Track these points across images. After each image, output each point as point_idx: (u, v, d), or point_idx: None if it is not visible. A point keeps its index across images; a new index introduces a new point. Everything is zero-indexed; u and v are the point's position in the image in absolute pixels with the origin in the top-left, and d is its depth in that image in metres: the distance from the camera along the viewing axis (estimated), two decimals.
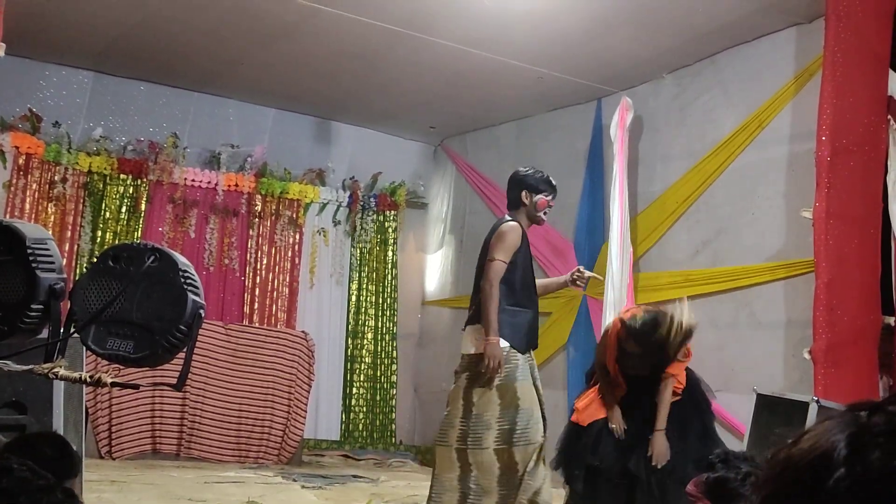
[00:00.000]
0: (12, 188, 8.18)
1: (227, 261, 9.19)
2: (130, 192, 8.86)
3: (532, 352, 4.91)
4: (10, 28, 7.55)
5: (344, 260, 9.87)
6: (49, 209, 8.44)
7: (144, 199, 8.89)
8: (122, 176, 8.80)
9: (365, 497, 6.08)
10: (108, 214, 8.73)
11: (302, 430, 8.48)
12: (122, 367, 2.23)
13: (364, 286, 9.96)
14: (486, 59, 7.67)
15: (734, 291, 6.82)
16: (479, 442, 4.62)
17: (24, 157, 8.26)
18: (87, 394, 5.57)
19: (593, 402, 5.05)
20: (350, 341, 9.85)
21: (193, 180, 9.08)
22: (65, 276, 2.04)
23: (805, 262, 6.09)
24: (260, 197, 9.37)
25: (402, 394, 10.04)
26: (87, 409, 6.60)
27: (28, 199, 8.29)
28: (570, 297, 8.09)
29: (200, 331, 2.04)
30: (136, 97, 8.94)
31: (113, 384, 2.09)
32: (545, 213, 4.96)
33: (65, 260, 7.96)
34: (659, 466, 4.73)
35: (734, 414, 6.43)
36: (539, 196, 4.86)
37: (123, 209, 8.82)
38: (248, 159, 9.29)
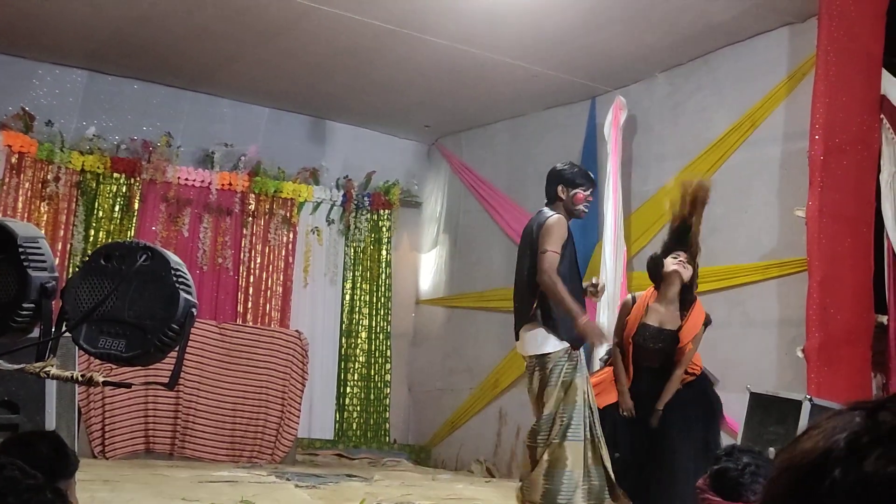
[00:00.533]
0: (5, 187, 8.15)
1: (220, 260, 9.18)
2: (124, 191, 8.84)
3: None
4: (3, 27, 7.54)
5: (338, 259, 9.86)
6: (42, 208, 8.42)
7: (138, 198, 8.87)
8: (115, 175, 8.78)
9: (359, 496, 6.07)
10: (101, 213, 8.71)
11: (296, 430, 8.46)
12: (114, 365, 2.22)
13: (358, 285, 9.95)
14: (480, 57, 7.67)
15: (727, 290, 6.83)
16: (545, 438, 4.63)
17: (16, 155, 8.23)
18: (79, 393, 5.55)
19: (604, 382, 5.06)
20: (344, 340, 9.84)
21: (187, 179, 9.07)
22: (56, 274, 2.03)
23: (798, 260, 6.10)
24: (253, 196, 9.36)
25: (395, 393, 10.03)
26: (79, 408, 6.58)
27: (21, 198, 8.27)
28: None
29: (194, 330, 2.03)
30: (130, 96, 8.91)
31: (105, 383, 2.08)
32: (585, 207, 4.92)
33: (58, 259, 7.95)
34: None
35: (728, 412, 6.43)
36: (576, 190, 4.84)
37: (116, 208, 8.80)
38: (242, 158, 9.28)
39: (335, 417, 9.66)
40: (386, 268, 10.08)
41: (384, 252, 10.08)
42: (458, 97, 8.85)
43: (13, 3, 7.25)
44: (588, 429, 4.61)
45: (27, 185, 8.32)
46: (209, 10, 7.19)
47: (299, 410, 8.48)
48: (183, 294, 2.02)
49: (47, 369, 2.03)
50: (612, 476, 4.60)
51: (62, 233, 8.48)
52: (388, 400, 9.95)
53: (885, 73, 5.97)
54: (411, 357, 10.22)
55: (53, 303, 2.03)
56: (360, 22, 7.13)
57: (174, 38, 7.80)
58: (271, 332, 8.61)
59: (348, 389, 9.77)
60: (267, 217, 9.43)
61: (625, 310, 5.21)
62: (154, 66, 8.56)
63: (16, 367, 2.10)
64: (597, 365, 6.86)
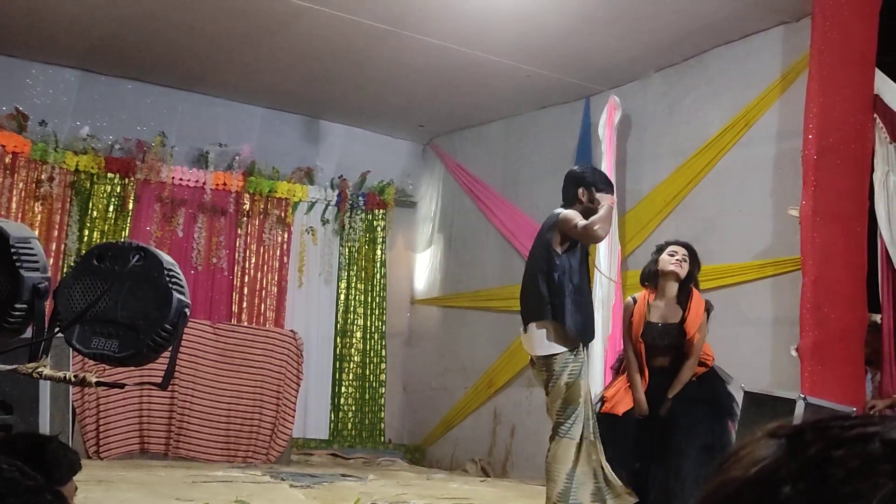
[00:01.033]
0: None
1: (215, 260, 9.17)
2: (118, 191, 8.82)
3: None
4: None
5: (332, 259, 9.86)
6: (36, 208, 8.40)
7: (132, 198, 8.86)
8: (109, 175, 8.77)
9: (353, 496, 6.07)
10: (95, 213, 8.70)
11: (291, 430, 8.46)
12: (107, 366, 2.22)
13: (353, 285, 9.95)
14: (474, 57, 7.68)
15: (721, 289, 6.84)
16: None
17: (10, 155, 8.22)
18: (73, 393, 5.55)
19: (621, 390, 5.04)
20: (339, 340, 9.84)
21: (181, 179, 9.06)
22: (49, 275, 2.03)
23: (792, 259, 6.12)
24: (248, 196, 9.35)
25: (390, 393, 10.04)
26: (73, 408, 6.57)
27: (14, 199, 8.25)
28: None
29: (188, 330, 2.03)
30: (124, 96, 8.90)
31: (98, 383, 2.08)
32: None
33: (52, 259, 7.94)
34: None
35: None
36: (599, 195, 4.80)
37: (111, 208, 8.79)
38: (237, 158, 9.27)
39: (330, 417, 9.66)
40: (381, 268, 10.08)
41: (379, 252, 10.08)
42: (453, 97, 8.85)
43: (6, 3, 7.23)
44: (591, 429, 4.62)
45: (21, 185, 8.31)
46: (203, 10, 7.18)
47: (294, 410, 8.48)
48: (176, 294, 2.03)
49: (40, 370, 2.03)
50: (609, 474, 4.61)
51: (56, 233, 8.46)
52: (382, 400, 9.95)
53: (879, 73, 5.98)
54: (406, 357, 10.22)
55: (46, 303, 2.03)
56: (354, 22, 7.13)
57: (168, 37, 7.79)
58: (266, 332, 8.60)
59: (343, 389, 9.77)
60: (261, 217, 9.42)
61: (627, 312, 5.14)
62: (148, 66, 8.55)
63: (9, 367, 2.10)
64: (597, 365, 6.88)
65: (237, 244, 9.31)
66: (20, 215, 8.17)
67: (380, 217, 10.08)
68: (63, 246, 8.50)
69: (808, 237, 5.71)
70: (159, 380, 2.14)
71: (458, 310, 9.64)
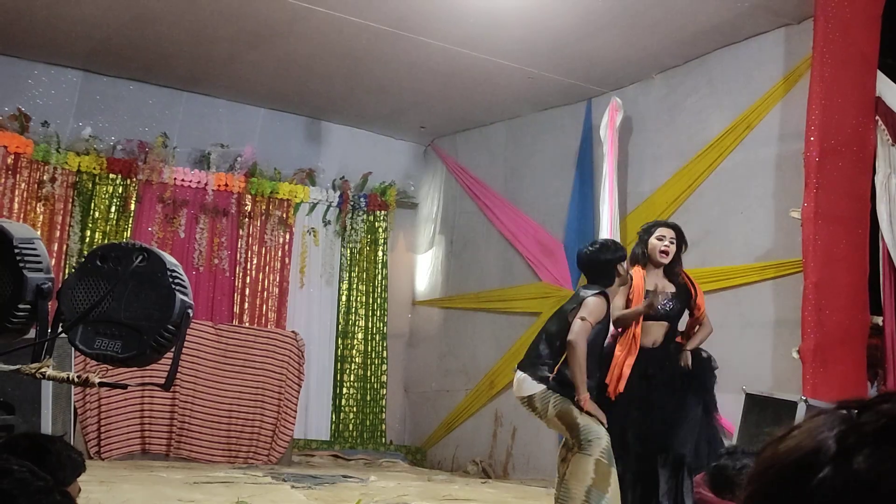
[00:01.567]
0: (0, 188, 8.14)
1: (216, 261, 9.17)
2: (120, 191, 8.83)
3: None
4: None
5: (334, 260, 9.86)
6: (38, 209, 8.41)
7: (134, 198, 8.86)
8: (111, 175, 8.77)
9: (354, 497, 6.07)
10: (97, 214, 8.70)
11: (292, 431, 8.46)
12: (110, 366, 2.22)
13: (354, 286, 9.95)
14: (476, 59, 7.68)
15: (723, 291, 6.84)
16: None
17: (12, 156, 8.22)
18: (75, 394, 5.56)
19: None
20: (340, 341, 9.83)
21: (183, 180, 9.06)
22: (52, 275, 2.03)
23: (793, 262, 6.12)
24: (250, 197, 9.35)
25: (392, 394, 10.03)
26: (75, 409, 6.58)
27: (17, 199, 8.26)
28: (560, 297, 8.09)
29: (190, 331, 2.04)
30: (126, 97, 8.91)
31: (100, 384, 2.08)
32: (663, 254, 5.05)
33: (54, 260, 7.94)
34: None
35: (723, 413, 6.43)
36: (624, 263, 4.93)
37: (113, 209, 8.79)
38: (238, 159, 9.27)
39: (331, 418, 9.66)
40: (382, 269, 10.08)
41: (380, 253, 10.08)
42: (454, 99, 8.85)
43: (9, 4, 7.24)
44: (600, 450, 4.62)
45: (23, 185, 8.31)
46: (205, 12, 7.19)
47: (295, 411, 8.48)
48: (179, 295, 2.03)
49: (43, 370, 2.03)
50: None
51: (58, 234, 8.47)
52: (384, 401, 9.95)
53: (880, 75, 5.99)
54: (407, 358, 10.22)
55: (49, 304, 2.03)
56: (357, 24, 7.13)
57: (170, 39, 7.80)
58: (267, 333, 8.61)
59: (344, 390, 9.77)
60: (263, 218, 9.42)
61: (625, 287, 5.14)
62: (150, 67, 8.55)
63: (12, 368, 2.10)
64: None
65: (239, 245, 9.31)
66: (22, 216, 8.17)
67: (381, 218, 10.08)
68: (65, 247, 8.51)
69: (810, 239, 5.71)
70: (162, 381, 2.14)
71: (459, 311, 9.64)
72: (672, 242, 5.12)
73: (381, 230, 10.08)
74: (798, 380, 5.63)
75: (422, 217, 10.41)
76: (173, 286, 2.03)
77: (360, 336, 9.93)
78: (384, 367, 10.00)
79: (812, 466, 0.73)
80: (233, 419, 8.14)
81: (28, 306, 1.96)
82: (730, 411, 5.87)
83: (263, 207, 9.42)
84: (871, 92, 5.96)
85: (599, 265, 4.92)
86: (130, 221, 8.82)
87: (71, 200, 8.62)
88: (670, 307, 5.05)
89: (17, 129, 8.25)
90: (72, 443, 3.94)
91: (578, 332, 4.62)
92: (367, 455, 9.33)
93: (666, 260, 5.10)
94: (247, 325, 9.02)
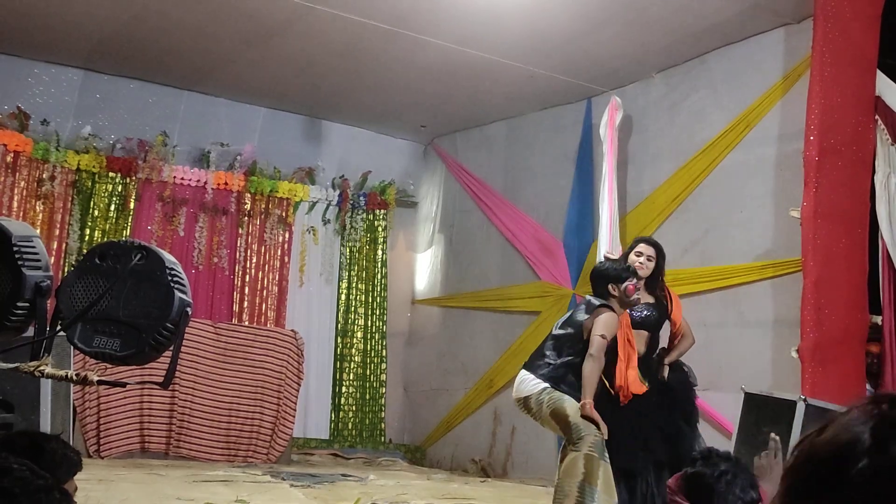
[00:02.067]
0: (0, 186, 8.14)
1: (216, 259, 9.17)
2: (119, 190, 8.83)
3: None
4: None
5: (333, 259, 9.86)
6: (37, 207, 8.41)
7: (133, 197, 8.86)
8: (110, 174, 8.77)
9: (354, 496, 6.07)
10: (96, 213, 8.70)
11: (291, 429, 8.46)
12: (109, 365, 2.22)
13: (353, 285, 9.95)
14: (476, 57, 7.68)
15: (722, 290, 6.85)
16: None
17: (11, 154, 8.22)
18: (74, 392, 5.55)
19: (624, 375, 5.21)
20: (339, 340, 9.84)
21: (183, 178, 9.06)
22: (51, 273, 2.03)
23: (793, 261, 6.12)
24: (249, 195, 9.35)
25: (391, 393, 10.04)
26: (74, 407, 6.57)
27: (16, 197, 8.26)
28: (560, 296, 8.11)
29: (189, 330, 2.04)
30: (126, 95, 8.91)
31: (99, 382, 2.08)
32: (637, 296, 5.14)
33: (53, 258, 7.94)
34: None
35: (722, 412, 6.45)
36: (625, 284, 5.06)
37: (112, 207, 8.79)
38: (238, 158, 9.27)
39: (331, 417, 9.66)
40: (381, 267, 10.08)
41: (380, 252, 10.08)
42: (454, 97, 8.85)
43: (9, 3, 7.24)
44: (588, 445, 4.70)
45: (22, 184, 8.31)
46: (205, 10, 7.18)
47: (295, 410, 8.48)
48: (178, 293, 2.03)
49: (42, 368, 2.03)
50: None
51: (58, 232, 8.47)
52: (383, 400, 9.95)
53: (880, 75, 5.99)
54: (407, 357, 10.23)
55: (48, 302, 2.03)
56: (357, 22, 7.13)
57: (170, 37, 7.79)
58: (267, 332, 8.61)
59: (344, 389, 9.77)
60: (263, 217, 9.42)
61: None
62: (150, 66, 8.55)
63: (10, 366, 2.10)
64: None
65: (238, 244, 9.31)
66: (22, 214, 8.17)
67: (381, 217, 10.08)
68: (64, 245, 8.51)
69: (809, 238, 5.71)
70: (160, 379, 2.14)
71: (458, 310, 9.64)
72: (650, 259, 5.37)
73: (380, 229, 10.08)
74: (797, 379, 5.62)
75: (421, 216, 10.41)
76: (172, 284, 2.03)
77: (359, 335, 9.93)
78: (383, 365, 10.00)
79: (849, 458, 0.78)
80: (232, 418, 8.14)
81: (27, 304, 1.96)
82: (729, 410, 5.88)
83: (263, 206, 9.42)
84: (871, 91, 5.96)
85: (593, 281, 5.17)
86: (130, 220, 8.82)
87: (70, 199, 8.62)
88: (646, 315, 5.26)
89: (16, 127, 8.25)
90: (71, 441, 3.94)
91: (599, 348, 4.83)
92: (367, 454, 9.34)
93: (643, 274, 5.33)
94: (246, 323, 9.02)
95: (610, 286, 5.08)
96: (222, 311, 9.17)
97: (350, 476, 7.48)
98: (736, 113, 6.97)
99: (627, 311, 5.21)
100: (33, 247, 2.00)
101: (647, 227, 7.53)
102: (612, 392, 5.10)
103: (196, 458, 7.89)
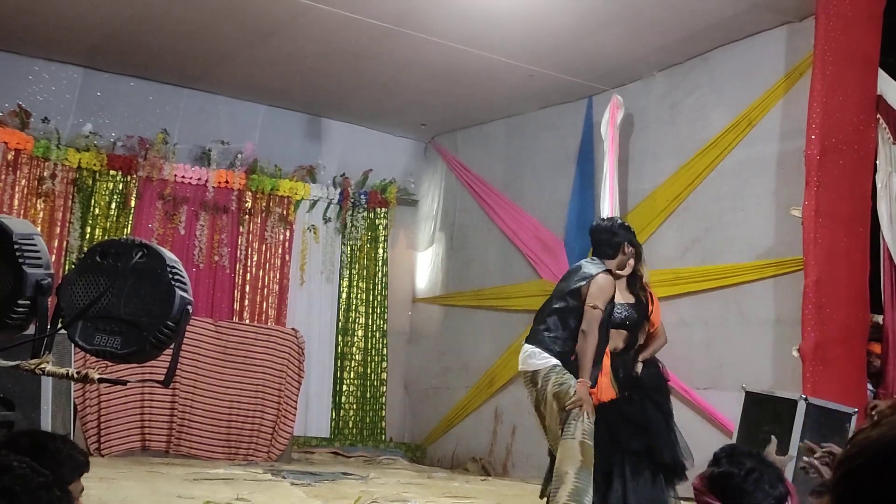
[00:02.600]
0: (1, 184, 8.13)
1: (217, 258, 9.17)
2: (120, 188, 8.83)
3: None
4: (0, 23, 7.53)
5: (334, 257, 9.86)
6: (38, 205, 8.40)
7: (134, 195, 8.86)
8: (111, 172, 8.77)
9: (354, 494, 6.07)
10: (97, 211, 8.70)
11: (292, 428, 8.46)
12: (109, 362, 2.22)
13: (354, 283, 9.95)
14: (477, 56, 7.67)
15: (723, 289, 6.84)
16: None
17: (12, 152, 8.22)
18: (75, 390, 5.55)
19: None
20: (340, 338, 9.84)
21: (183, 177, 9.06)
22: (52, 271, 2.02)
23: (794, 260, 6.11)
24: (250, 194, 9.35)
25: (392, 391, 10.04)
26: (75, 405, 6.58)
27: (17, 196, 8.25)
28: None
29: (190, 328, 2.03)
30: (126, 93, 8.90)
31: (100, 380, 2.08)
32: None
33: (54, 256, 7.94)
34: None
35: (723, 411, 6.45)
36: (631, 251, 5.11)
37: (113, 205, 8.79)
38: (239, 156, 9.27)
39: (331, 415, 9.66)
40: (382, 266, 10.08)
41: (380, 250, 10.08)
42: (455, 96, 8.84)
43: (10, 0, 7.23)
44: (582, 431, 4.71)
45: (23, 182, 8.31)
46: (206, 8, 7.18)
47: (295, 408, 8.48)
48: (178, 291, 2.02)
49: (43, 366, 2.03)
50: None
51: (58, 230, 8.46)
52: (384, 398, 9.95)
53: (882, 74, 5.98)
54: (407, 355, 10.22)
55: (49, 300, 2.03)
56: (357, 20, 7.12)
57: (171, 35, 7.79)
58: (268, 330, 8.61)
59: (344, 387, 9.77)
60: (263, 215, 9.42)
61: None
62: (151, 64, 8.55)
63: (11, 363, 2.10)
64: None
65: (239, 242, 9.31)
66: (22, 212, 8.17)
67: (381, 215, 10.08)
68: (65, 243, 8.51)
69: (811, 237, 5.70)
70: (161, 377, 2.14)
71: (459, 308, 9.64)
72: (630, 258, 5.41)
73: (381, 227, 10.08)
74: (798, 378, 5.62)
75: (422, 214, 10.41)
76: (173, 282, 2.03)
77: (360, 333, 9.93)
78: (384, 364, 10.00)
79: None
80: (233, 416, 8.14)
81: (28, 302, 1.96)
82: (730, 409, 5.88)
83: (264, 204, 9.42)
84: (873, 90, 5.96)
85: (606, 235, 5.10)
86: (131, 218, 8.82)
87: (71, 197, 8.62)
88: (626, 315, 5.28)
89: (17, 125, 8.25)
90: (71, 439, 3.94)
91: (591, 321, 4.80)
92: (367, 452, 9.34)
93: (625, 273, 5.34)
94: (247, 322, 9.02)
95: (625, 245, 5.08)
96: (223, 309, 9.17)
97: (351, 474, 7.49)
98: (737, 111, 6.96)
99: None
100: (34, 245, 2.00)
101: (648, 226, 7.52)
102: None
103: (197, 457, 7.89)
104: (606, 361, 5.15)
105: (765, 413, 4.98)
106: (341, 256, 9.92)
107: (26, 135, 8.29)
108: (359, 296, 9.96)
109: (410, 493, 6.46)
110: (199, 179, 9.13)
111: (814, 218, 5.69)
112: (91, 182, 8.70)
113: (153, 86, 8.98)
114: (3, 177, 8.15)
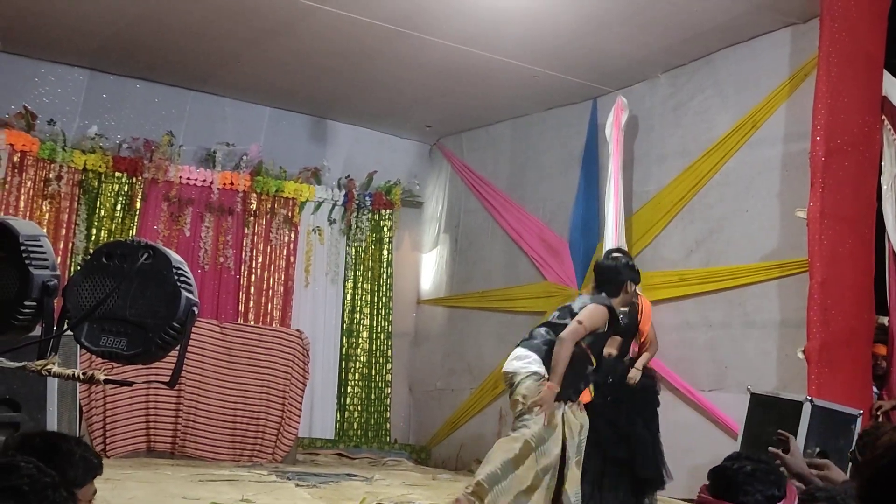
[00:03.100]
0: (7, 186, 8.15)
1: (222, 259, 9.18)
2: (125, 190, 8.85)
3: None
4: (6, 26, 7.56)
5: (339, 258, 9.86)
6: (44, 207, 8.42)
7: (139, 197, 8.88)
8: (117, 174, 8.79)
9: (359, 496, 6.07)
10: (102, 212, 8.72)
11: (296, 429, 8.46)
12: (115, 364, 2.23)
13: (359, 285, 9.96)
14: (482, 57, 7.68)
15: (728, 291, 6.83)
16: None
17: (18, 154, 8.24)
18: (80, 391, 5.55)
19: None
20: (345, 340, 9.84)
21: (189, 178, 9.07)
22: (58, 272, 2.03)
23: (799, 261, 6.11)
24: (255, 195, 9.36)
25: (396, 393, 10.04)
26: (81, 406, 6.57)
27: (23, 197, 8.27)
28: (565, 296, 8.09)
29: (195, 329, 2.04)
30: (132, 95, 8.92)
31: (106, 381, 2.09)
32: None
33: (59, 258, 7.96)
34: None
35: (728, 413, 6.45)
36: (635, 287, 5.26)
37: (118, 207, 8.81)
38: (244, 157, 9.29)
39: (336, 417, 9.67)
40: (387, 267, 10.09)
41: (385, 252, 10.09)
42: (460, 97, 8.85)
43: (16, 2, 7.26)
44: (532, 433, 4.75)
45: (29, 183, 8.33)
46: (211, 10, 7.19)
47: (300, 410, 8.48)
48: (184, 292, 2.03)
49: (49, 367, 2.04)
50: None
51: (64, 232, 8.48)
52: (388, 400, 9.95)
53: (887, 75, 5.98)
54: (412, 357, 10.23)
55: (55, 301, 2.03)
56: (363, 22, 7.13)
57: (176, 37, 7.81)
58: (272, 332, 8.61)
59: (349, 389, 9.78)
60: (268, 216, 9.43)
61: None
62: (156, 66, 8.57)
63: (17, 365, 2.10)
64: None
65: (244, 244, 9.32)
66: (28, 214, 8.19)
67: (386, 217, 10.09)
68: (71, 245, 8.53)
69: (816, 239, 5.70)
70: (167, 378, 2.14)
71: (464, 310, 9.64)
72: None
73: (386, 229, 10.09)
74: (803, 379, 5.62)
75: (427, 216, 10.41)
76: (178, 283, 2.03)
77: (364, 335, 9.94)
78: (389, 365, 10.00)
79: None
80: (238, 417, 8.15)
81: (34, 303, 1.97)
82: (734, 411, 5.88)
83: (269, 206, 9.43)
84: (878, 91, 5.95)
85: (610, 274, 5.19)
86: (136, 220, 8.84)
87: (77, 198, 8.64)
88: (623, 321, 5.45)
89: (23, 127, 8.27)
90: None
91: (572, 333, 4.87)
92: (372, 454, 9.34)
93: (624, 310, 5.49)
94: (252, 323, 9.03)
95: (628, 283, 5.17)
96: (228, 310, 9.18)
97: (355, 476, 7.49)
98: (742, 113, 6.96)
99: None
100: (40, 246, 2.00)
101: (652, 228, 7.53)
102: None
103: (202, 458, 7.90)
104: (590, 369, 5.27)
105: (770, 414, 4.97)
106: (346, 258, 9.92)
107: (32, 137, 8.31)
108: (363, 297, 9.97)
109: (415, 494, 6.46)
110: (205, 181, 9.14)
111: (819, 219, 5.68)
112: (97, 184, 8.72)
113: (158, 88, 9.00)
114: (9, 178, 8.18)
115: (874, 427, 3.10)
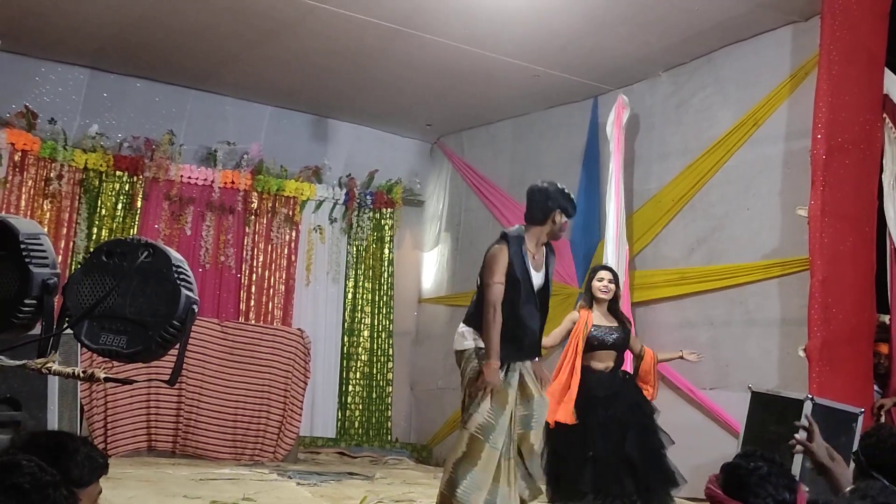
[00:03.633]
0: (8, 185, 8.16)
1: (223, 258, 9.18)
2: (126, 189, 8.85)
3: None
4: (7, 25, 7.55)
5: (340, 257, 9.86)
6: (45, 206, 8.43)
7: (140, 196, 8.88)
8: (117, 173, 8.79)
9: (360, 495, 6.08)
10: (103, 211, 8.72)
11: (298, 428, 8.47)
12: (115, 362, 2.23)
13: (360, 284, 9.96)
14: (482, 56, 7.67)
15: (729, 289, 6.83)
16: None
17: (19, 153, 8.24)
18: (81, 390, 5.56)
19: (554, 394, 5.39)
20: (346, 339, 9.84)
21: (189, 177, 9.08)
22: (58, 271, 2.03)
23: (800, 259, 6.10)
24: (256, 194, 9.36)
25: (397, 391, 10.04)
26: (81, 405, 6.58)
27: (24, 196, 8.28)
28: (566, 294, 8.09)
29: (196, 328, 2.04)
30: (133, 94, 8.93)
31: (106, 379, 2.09)
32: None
33: (60, 256, 7.96)
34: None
35: (729, 411, 6.45)
36: (564, 218, 4.95)
37: (119, 206, 8.81)
38: (245, 156, 9.29)
39: (337, 416, 9.67)
40: (388, 266, 10.09)
41: (386, 250, 10.09)
42: (461, 96, 8.85)
43: (16, 2, 7.26)
44: (507, 445, 4.63)
45: (30, 182, 8.34)
46: (212, 9, 7.19)
47: (301, 408, 8.49)
48: (184, 291, 2.03)
49: (49, 366, 2.04)
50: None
51: (65, 230, 8.49)
52: (389, 398, 9.96)
53: (888, 73, 5.97)
54: (413, 355, 10.22)
55: (55, 299, 2.03)
56: (363, 21, 7.13)
57: (177, 36, 7.81)
58: (274, 331, 8.62)
59: (350, 388, 9.78)
60: (269, 215, 9.43)
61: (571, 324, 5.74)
62: (157, 64, 8.57)
63: (18, 363, 2.10)
64: None
65: (245, 242, 9.32)
66: (29, 213, 8.20)
67: (387, 216, 10.08)
68: (72, 243, 8.53)
69: (817, 237, 5.69)
70: (167, 377, 2.15)
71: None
72: (611, 282, 5.72)
73: (387, 228, 10.09)
74: (804, 378, 5.62)
75: (428, 215, 10.41)
76: (178, 282, 2.03)
77: (365, 334, 9.94)
78: (390, 364, 10.00)
79: None
80: (239, 416, 8.15)
81: (34, 301, 1.97)
82: (736, 409, 5.87)
83: (270, 205, 9.43)
84: (879, 89, 5.94)
85: (538, 197, 4.88)
86: (137, 219, 8.84)
87: (77, 197, 8.64)
88: (615, 338, 5.61)
89: (24, 126, 8.27)
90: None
91: (492, 299, 4.70)
92: (373, 452, 9.34)
93: (606, 297, 5.68)
94: (253, 322, 9.04)
95: (557, 212, 4.80)
96: (229, 309, 9.18)
97: (356, 475, 7.50)
98: (743, 111, 6.95)
99: (593, 336, 5.50)
100: (41, 244, 2.00)
101: (653, 226, 7.52)
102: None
103: (203, 457, 7.90)
104: (574, 390, 5.35)
105: (771, 413, 4.97)
106: (347, 257, 9.92)
107: (33, 136, 8.31)
108: (364, 296, 9.97)
109: (416, 493, 6.46)
110: (205, 180, 9.14)
111: (820, 217, 5.68)
112: (97, 183, 8.73)
113: (159, 87, 9.00)
114: (10, 178, 8.18)
115: (877, 427, 3.09)
